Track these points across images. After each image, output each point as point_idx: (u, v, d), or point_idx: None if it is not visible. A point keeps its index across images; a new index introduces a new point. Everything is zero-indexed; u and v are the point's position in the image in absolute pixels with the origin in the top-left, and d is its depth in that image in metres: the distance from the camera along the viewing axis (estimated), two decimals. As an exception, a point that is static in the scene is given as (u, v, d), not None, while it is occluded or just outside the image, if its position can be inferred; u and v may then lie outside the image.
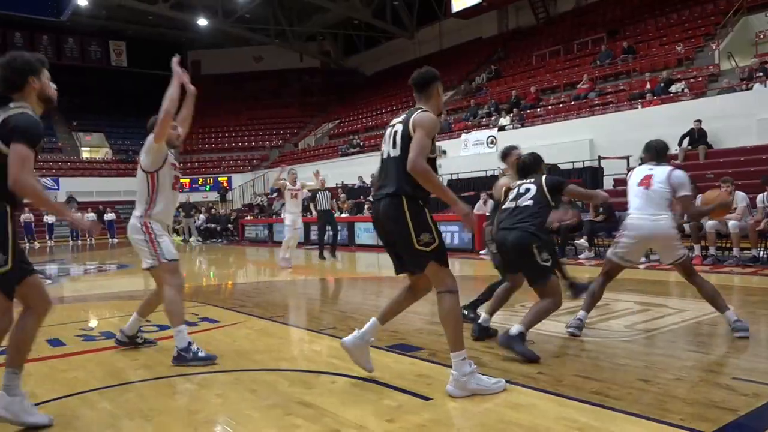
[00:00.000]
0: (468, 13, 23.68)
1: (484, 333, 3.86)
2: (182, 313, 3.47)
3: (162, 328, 4.36)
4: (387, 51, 30.78)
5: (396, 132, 2.85)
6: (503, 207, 3.79)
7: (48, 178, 24.33)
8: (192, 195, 23.83)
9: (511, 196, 3.76)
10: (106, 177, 27.48)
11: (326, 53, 33.91)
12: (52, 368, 3.13)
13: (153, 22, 31.00)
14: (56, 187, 24.83)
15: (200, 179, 27.82)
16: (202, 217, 21.53)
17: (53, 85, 2.69)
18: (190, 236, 19.87)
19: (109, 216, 23.99)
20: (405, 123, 2.82)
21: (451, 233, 11.84)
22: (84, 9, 24.74)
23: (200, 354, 3.39)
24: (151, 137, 3.77)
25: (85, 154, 30.08)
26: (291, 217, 9.52)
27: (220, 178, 27.66)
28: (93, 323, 5.17)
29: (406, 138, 2.75)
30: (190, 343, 3.40)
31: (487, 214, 11.06)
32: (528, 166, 3.88)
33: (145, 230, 3.59)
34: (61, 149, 28.67)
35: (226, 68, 33.88)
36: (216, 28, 29.42)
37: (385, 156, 2.92)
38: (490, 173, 14.22)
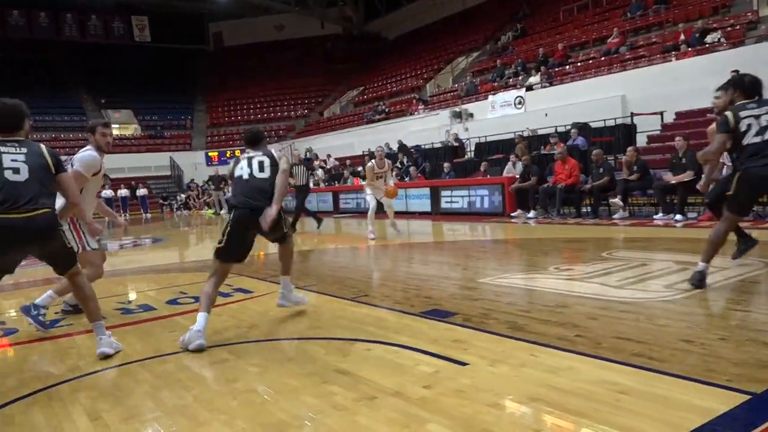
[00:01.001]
0: (492, -31, 23.00)
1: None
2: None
3: (196, 299, 4.42)
4: (409, 13, 30.20)
5: (262, 161, 3.62)
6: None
7: (80, 156, 24.73)
8: (220, 168, 24.02)
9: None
10: (136, 153, 27.86)
11: (348, 19, 33.44)
12: (93, 341, 3.20)
13: (173, -6, 30.92)
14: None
15: (228, 152, 28.00)
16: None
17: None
18: (221, 209, 20.10)
19: (141, 191, 24.40)
20: (270, 156, 3.68)
21: (481, 197, 11.70)
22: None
23: (40, 318, 3.78)
24: (78, 166, 3.97)
25: (115, 131, 30.48)
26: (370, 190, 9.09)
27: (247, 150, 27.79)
28: (131, 296, 5.27)
29: (275, 167, 3.61)
30: (42, 308, 3.80)
31: (517, 176, 10.93)
32: None
33: (69, 220, 3.88)
34: (91, 127, 29.02)
35: (248, 38, 33.75)
36: (236, -2, 29.20)
37: (246, 177, 3.58)
38: (518, 134, 13.97)
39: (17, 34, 28.65)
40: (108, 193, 21.82)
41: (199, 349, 3.10)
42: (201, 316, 3.23)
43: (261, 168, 3.61)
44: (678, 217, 8.11)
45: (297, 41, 33.39)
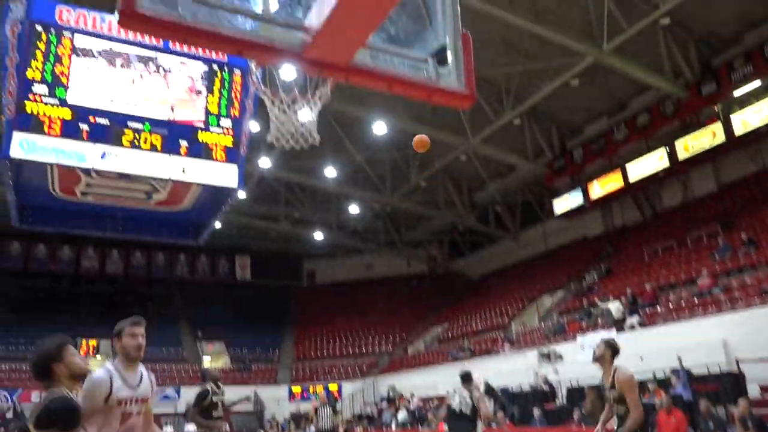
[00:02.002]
0: (571, 214, 24.11)
1: None
2: None
3: None
4: (492, 253, 31.39)
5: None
6: None
7: (171, 387, 25.38)
8: (302, 405, 23.76)
9: None
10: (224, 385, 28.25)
11: (433, 258, 35.13)
12: None
13: (274, 237, 34.20)
14: (177, 397, 25.72)
15: (311, 387, 27.86)
16: (313, 428, 21.14)
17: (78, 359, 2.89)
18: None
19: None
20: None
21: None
22: (216, 230, 27.93)
23: None
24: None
25: (207, 363, 31.51)
26: None
27: (330, 386, 27.55)
28: None
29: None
30: None
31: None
32: None
33: None
34: (186, 359, 30.26)
35: (339, 276, 35.78)
36: (330, 241, 31.82)
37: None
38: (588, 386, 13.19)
39: (138, 273, 32.01)
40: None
41: None
42: None
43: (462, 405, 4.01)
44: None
45: (384, 279, 35.01)
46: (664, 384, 10.89)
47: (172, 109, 8.13)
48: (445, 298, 32.05)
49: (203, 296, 34.63)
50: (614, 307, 16.75)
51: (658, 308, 16.03)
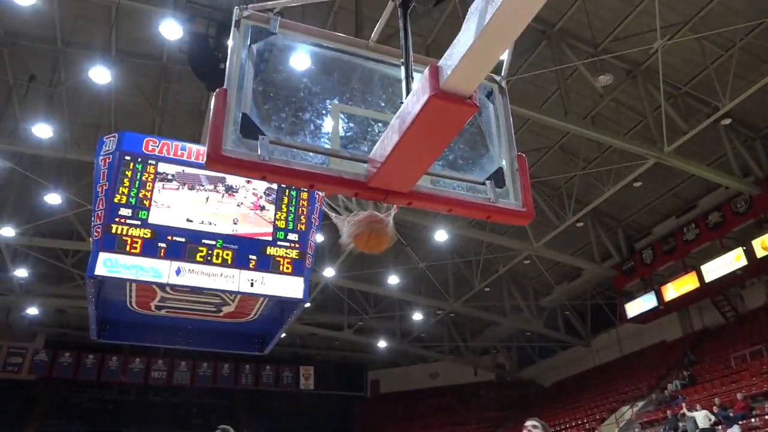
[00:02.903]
0: (645, 318, 22.95)
1: None
2: None
3: None
4: (564, 360, 29.95)
5: None
6: None
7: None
8: None
9: None
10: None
11: (501, 366, 33.80)
12: None
13: (338, 346, 34.06)
14: None
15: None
16: None
17: None
18: None
19: None
20: None
21: None
22: (281, 339, 28.10)
23: None
24: None
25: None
26: None
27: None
28: None
29: None
30: None
31: None
32: None
33: None
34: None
35: (403, 385, 34.77)
36: (394, 349, 31.31)
37: None
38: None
39: (204, 384, 32.23)
40: None
41: None
42: None
43: None
44: None
45: (450, 388, 33.75)
46: None
47: (235, 223, 8.56)
48: (515, 408, 30.42)
49: (267, 407, 34.31)
50: (700, 416, 15.44)
51: (753, 420, 14.66)
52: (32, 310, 25.05)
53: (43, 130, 15.62)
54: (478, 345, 32.68)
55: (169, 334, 10.52)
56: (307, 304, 22.43)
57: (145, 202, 7.77)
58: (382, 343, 30.56)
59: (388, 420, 32.83)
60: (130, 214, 7.72)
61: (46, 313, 27.04)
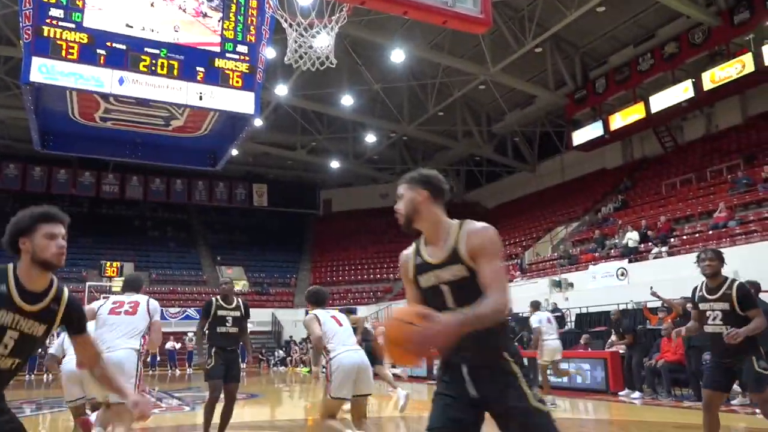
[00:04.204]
0: (590, 146, 23.78)
1: None
2: None
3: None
4: (508, 184, 31.32)
5: None
6: None
7: (192, 309, 26.33)
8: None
9: None
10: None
11: (449, 189, 35.11)
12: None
13: (291, 166, 34.40)
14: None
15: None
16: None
17: (59, 244, 2.32)
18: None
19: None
20: None
21: (582, 372, 11.11)
22: (234, 158, 28.11)
23: None
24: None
25: (226, 286, 32.46)
26: None
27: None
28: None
29: None
30: None
31: (621, 352, 10.39)
32: None
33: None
34: (206, 282, 31.21)
35: (354, 205, 36.04)
36: (346, 169, 31.89)
37: None
38: (622, 306, 13.45)
39: (157, 198, 32.57)
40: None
41: None
42: None
43: None
44: None
45: (400, 208, 35.20)
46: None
47: (176, 30, 8.05)
48: (459, 228, 32.29)
49: (221, 222, 35.38)
50: (632, 237, 16.85)
51: (672, 240, 16.09)
52: (-32, 120, 23.91)
53: None
54: (429, 168, 33.55)
55: (117, 146, 10.31)
56: (260, 123, 22.22)
57: (77, 2, 7.13)
58: (334, 164, 31.00)
59: (338, 236, 34.52)
60: (61, 16, 7.12)
61: (-17, 124, 25.93)
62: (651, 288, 10.59)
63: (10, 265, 2.33)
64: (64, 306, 2.39)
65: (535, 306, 9.66)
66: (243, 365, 22.43)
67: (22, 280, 2.30)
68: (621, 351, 10.61)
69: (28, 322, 2.29)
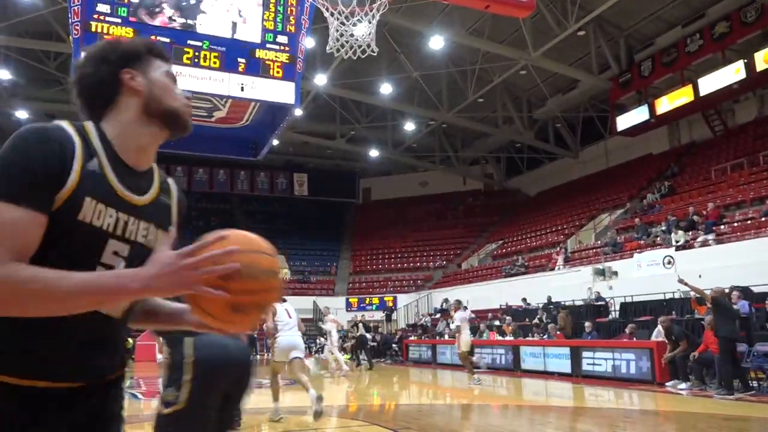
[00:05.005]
0: (635, 131, 23.15)
1: None
2: None
3: None
4: (550, 171, 30.82)
5: None
6: None
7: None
8: (359, 314, 24.79)
9: None
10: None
11: (489, 176, 34.82)
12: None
13: (331, 155, 34.65)
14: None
15: (366, 299, 28.95)
16: (368, 335, 22.18)
17: (180, 92, 1.39)
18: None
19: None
20: None
21: (627, 361, 10.92)
22: (274, 147, 28.46)
23: None
24: None
25: (268, 274, 32.96)
26: None
27: (385, 298, 28.56)
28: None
29: None
30: None
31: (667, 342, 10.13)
32: None
33: None
34: (248, 270, 31.74)
35: (394, 193, 36.10)
36: (386, 158, 31.92)
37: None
38: (668, 296, 13.14)
39: (200, 188, 33.29)
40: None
41: None
42: None
43: None
44: None
45: (439, 196, 35.10)
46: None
47: (234, 27, 8.19)
48: (500, 215, 32.02)
49: (263, 211, 35.91)
50: (677, 238, 16.30)
51: (723, 227, 15.58)
52: (21, 114, 24.85)
53: None
54: (469, 155, 33.30)
55: (162, 138, 10.60)
56: (299, 112, 22.39)
57: (123, -3, 7.33)
58: (373, 152, 31.05)
59: (378, 225, 34.63)
60: (108, 11, 7.33)
61: (36, 118, 26.89)
62: (678, 277, 10.26)
63: (90, 124, 1.28)
64: (176, 201, 1.44)
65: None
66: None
67: (118, 148, 1.28)
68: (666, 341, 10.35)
69: (139, 224, 1.29)
